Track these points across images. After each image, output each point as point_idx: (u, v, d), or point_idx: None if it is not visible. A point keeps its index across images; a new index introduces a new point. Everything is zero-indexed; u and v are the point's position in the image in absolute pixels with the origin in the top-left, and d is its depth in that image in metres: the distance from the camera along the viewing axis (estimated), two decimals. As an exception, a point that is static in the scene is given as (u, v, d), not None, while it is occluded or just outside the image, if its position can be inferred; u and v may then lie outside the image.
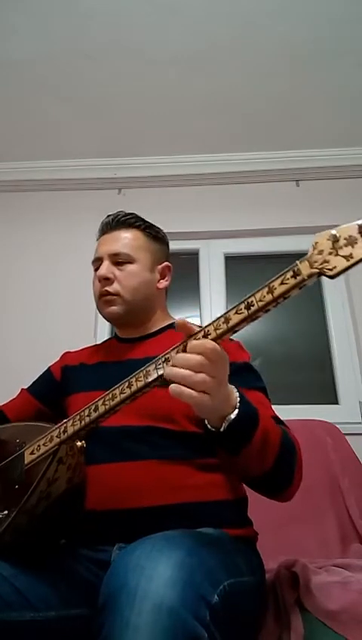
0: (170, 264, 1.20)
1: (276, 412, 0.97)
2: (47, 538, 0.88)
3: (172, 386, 0.68)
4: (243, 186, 2.48)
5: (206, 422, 0.77)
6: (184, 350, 0.70)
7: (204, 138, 2.37)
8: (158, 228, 1.20)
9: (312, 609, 0.85)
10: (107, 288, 1.09)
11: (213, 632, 0.60)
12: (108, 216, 1.17)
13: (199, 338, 0.70)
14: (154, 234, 1.18)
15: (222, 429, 0.75)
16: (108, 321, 1.18)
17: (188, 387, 0.67)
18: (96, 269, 1.13)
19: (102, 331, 2.26)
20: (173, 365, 0.69)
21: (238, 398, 0.76)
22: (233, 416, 0.74)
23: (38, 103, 2.18)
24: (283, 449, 0.83)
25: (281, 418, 0.95)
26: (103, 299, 1.11)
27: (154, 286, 1.15)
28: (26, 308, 2.30)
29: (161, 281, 1.17)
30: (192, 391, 0.68)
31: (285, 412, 0.96)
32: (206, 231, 2.42)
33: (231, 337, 1.10)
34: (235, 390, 0.78)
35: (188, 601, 0.59)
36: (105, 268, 1.10)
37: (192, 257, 2.43)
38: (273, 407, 0.99)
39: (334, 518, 1.46)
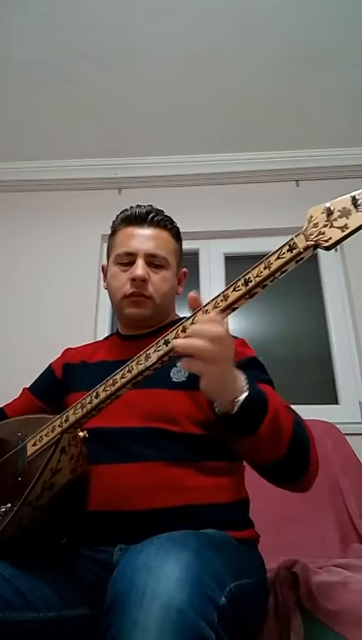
0: (186, 270, 1.18)
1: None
2: (50, 533, 0.88)
3: (183, 360, 0.70)
4: (243, 186, 2.48)
5: (216, 409, 0.77)
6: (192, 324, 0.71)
7: (204, 138, 2.37)
8: (179, 230, 1.15)
9: (312, 609, 0.85)
10: (141, 290, 1.04)
11: (221, 633, 0.60)
12: (140, 206, 1.10)
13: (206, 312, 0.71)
14: (180, 239, 1.15)
15: (233, 411, 0.74)
16: (127, 320, 1.11)
17: (199, 359, 0.69)
18: (124, 263, 1.07)
19: (102, 329, 2.26)
20: (186, 337, 0.70)
21: (246, 381, 0.76)
22: (243, 396, 0.74)
23: (38, 103, 2.18)
24: (296, 433, 0.82)
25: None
26: (133, 299, 1.05)
27: (175, 292, 1.14)
28: (27, 307, 2.30)
29: (179, 287, 1.16)
30: (202, 363, 0.69)
31: (285, 412, 0.97)
32: (206, 231, 2.42)
33: (235, 335, 1.12)
34: (243, 374, 0.78)
35: (196, 602, 0.59)
36: (143, 268, 1.04)
37: (192, 257, 2.43)
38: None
39: (334, 518, 1.46)
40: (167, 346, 0.73)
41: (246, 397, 0.74)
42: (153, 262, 1.06)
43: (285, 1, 1.77)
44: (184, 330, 0.72)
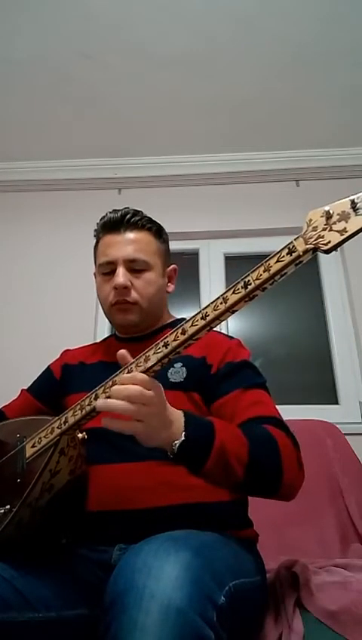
0: (176, 267, 1.17)
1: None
2: (50, 533, 0.88)
3: (103, 419, 0.72)
4: (243, 186, 2.48)
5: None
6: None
7: (204, 138, 2.37)
8: (163, 227, 1.15)
9: (312, 609, 0.85)
10: (125, 297, 1.04)
11: (220, 632, 0.60)
12: (115, 211, 1.09)
13: (198, 320, 0.71)
14: (164, 236, 1.14)
15: (172, 455, 0.75)
16: (118, 327, 1.13)
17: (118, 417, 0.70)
18: (106, 273, 1.07)
19: (102, 330, 2.26)
20: (107, 397, 0.72)
21: (185, 423, 0.76)
22: (179, 441, 0.74)
23: (38, 103, 2.18)
24: (254, 458, 0.80)
25: (281, 415, 0.94)
26: (119, 307, 1.06)
27: (165, 291, 1.13)
28: (27, 307, 2.30)
29: (169, 284, 1.15)
30: (121, 420, 0.70)
31: (285, 412, 0.97)
32: (206, 231, 2.42)
33: (231, 336, 1.12)
34: (182, 415, 0.77)
35: (196, 601, 0.60)
36: (124, 276, 1.04)
37: (192, 257, 2.43)
38: (272, 406, 0.99)
39: (334, 518, 1.46)
40: (166, 348, 0.73)
41: (184, 440, 0.74)
42: (133, 267, 1.06)
43: (285, 1, 1.77)
44: (184, 332, 0.72)
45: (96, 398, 0.79)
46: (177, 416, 0.76)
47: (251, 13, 1.81)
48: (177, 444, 0.74)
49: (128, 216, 1.08)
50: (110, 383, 0.78)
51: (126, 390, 0.70)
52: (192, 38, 1.90)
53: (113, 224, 1.08)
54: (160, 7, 1.79)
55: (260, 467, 0.81)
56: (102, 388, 0.79)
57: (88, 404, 0.79)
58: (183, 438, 0.74)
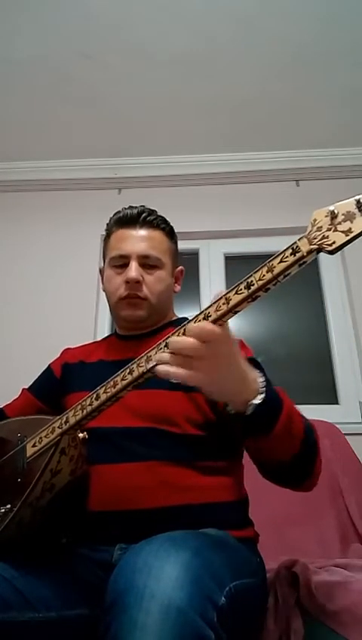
0: (183, 268, 1.18)
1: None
2: (50, 533, 0.88)
3: (158, 367, 0.68)
4: (243, 186, 2.48)
5: (229, 407, 0.75)
6: (184, 333, 0.69)
7: (204, 138, 2.37)
8: (173, 228, 1.15)
9: (312, 609, 0.85)
10: (136, 292, 1.05)
11: (220, 633, 0.60)
12: (131, 207, 1.11)
13: (200, 320, 0.70)
14: (174, 237, 1.15)
15: (247, 413, 0.72)
16: (124, 322, 1.12)
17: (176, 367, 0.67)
18: (118, 266, 1.08)
19: (102, 330, 2.26)
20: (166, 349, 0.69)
21: (262, 383, 0.74)
22: (258, 400, 0.72)
23: (38, 103, 2.18)
24: (307, 434, 0.81)
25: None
26: (129, 301, 1.06)
27: (172, 290, 1.14)
28: (27, 307, 2.30)
29: (176, 285, 1.16)
30: (178, 369, 0.66)
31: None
32: (206, 231, 2.42)
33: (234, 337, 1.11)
34: (259, 375, 0.75)
35: (196, 602, 0.59)
36: (136, 270, 1.05)
37: (192, 257, 2.43)
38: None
39: (334, 518, 1.46)
40: (168, 348, 0.73)
41: (263, 401, 0.72)
42: (146, 263, 1.07)
43: (285, 1, 1.77)
44: (185, 332, 0.71)
45: (97, 398, 0.79)
46: (254, 375, 0.75)
47: (251, 13, 1.81)
48: (259, 398, 0.72)
49: (144, 215, 1.09)
50: (111, 383, 0.78)
51: (177, 343, 0.67)
52: (192, 38, 1.90)
53: (129, 220, 1.09)
54: (160, 7, 1.79)
55: (308, 446, 0.81)
56: (103, 388, 0.79)
57: (89, 404, 0.79)
58: (261, 400, 0.72)
